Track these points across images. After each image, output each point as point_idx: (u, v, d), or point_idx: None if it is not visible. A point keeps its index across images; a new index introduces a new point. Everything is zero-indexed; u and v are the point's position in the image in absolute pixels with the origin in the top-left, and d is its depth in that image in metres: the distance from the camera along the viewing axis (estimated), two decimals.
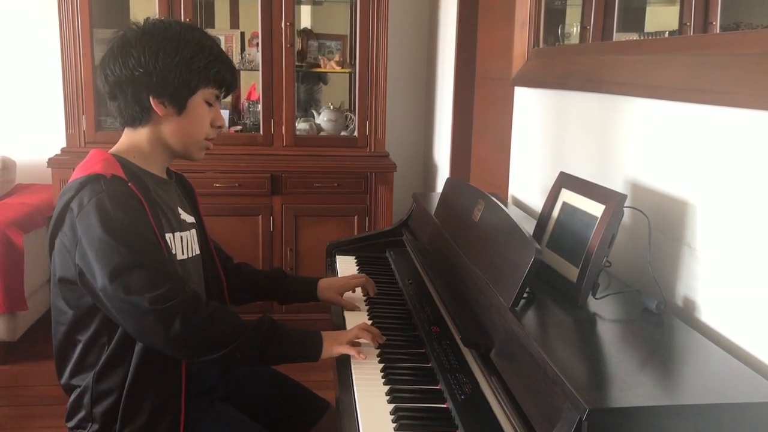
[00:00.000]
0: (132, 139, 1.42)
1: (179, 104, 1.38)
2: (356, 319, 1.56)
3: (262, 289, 1.70)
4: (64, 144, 3.17)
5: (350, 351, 1.36)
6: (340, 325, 1.56)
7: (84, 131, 3.15)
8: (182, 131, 1.41)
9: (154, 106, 1.37)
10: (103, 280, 1.24)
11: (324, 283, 1.68)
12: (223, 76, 1.41)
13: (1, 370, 2.89)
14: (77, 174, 1.35)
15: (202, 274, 1.53)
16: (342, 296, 1.68)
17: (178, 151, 1.44)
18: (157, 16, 1.47)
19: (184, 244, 1.44)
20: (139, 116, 1.39)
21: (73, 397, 1.38)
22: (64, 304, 1.35)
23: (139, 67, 1.34)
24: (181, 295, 1.27)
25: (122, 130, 1.44)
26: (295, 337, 1.38)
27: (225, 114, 3.36)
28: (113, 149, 1.42)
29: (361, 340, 1.40)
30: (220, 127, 1.46)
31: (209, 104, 1.42)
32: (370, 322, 1.55)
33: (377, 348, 1.39)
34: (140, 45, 1.35)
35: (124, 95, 1.37)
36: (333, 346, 1.37)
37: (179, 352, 1.31)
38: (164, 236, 1.35)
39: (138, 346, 1.32)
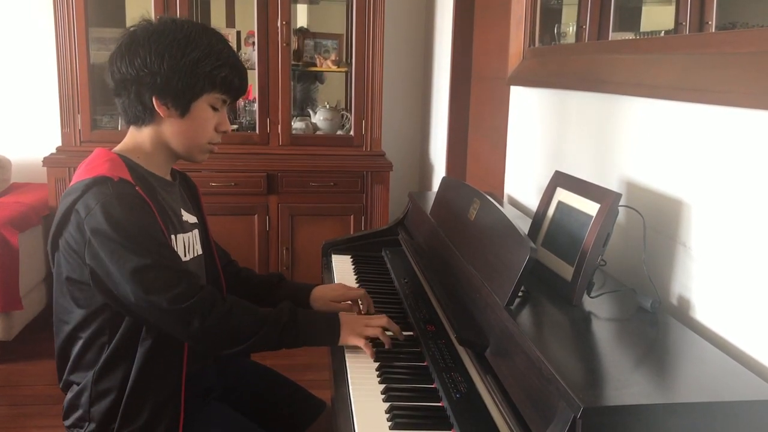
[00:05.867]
0: (136, 138, 1.41)
1: (182, 107, 1.37)
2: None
3: (258, 295, 1.66)
4: (59, 143, 3.16)
5: (366, 348, 1.36)
6: None
7: (79, 130, 3.14)
8: (185, 134, 1.40)
9: (156, 108, 1.36)
10: (122, 281, 1.25)
11: (318, 292, 1.62)
12: (230, 81, 1.38)
13: None
14: (82, 174, 1.33)
15: (204, 275, 1.52)
16: (338, 303, 1.60)
17: (180, 154, 1.43)
18: (166, 15, 1.43)
19: (186, 246, 1.44)
20: (142, 116, 1.38)
21: (70, 395, 1.38)
22: (71, 303, 1.34)
23: (144, 68, 1.33)
24: (198, 293, 1.28)
25: (126, 129, 1.44)
26: (314, 324, 1.39)
27: None
28: (117, 148, 1.42)
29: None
30: (224, 132, 1.44)
31: (215, 109, 1.40)
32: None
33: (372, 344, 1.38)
34: (148, 45, 1.33)
35: (128, 94, 1.36)
36: (350, 336, 1.38)
37: (200, 347, 1.35)
38: (169, 238, 1.35)
39: (141, 347, 1.32)
